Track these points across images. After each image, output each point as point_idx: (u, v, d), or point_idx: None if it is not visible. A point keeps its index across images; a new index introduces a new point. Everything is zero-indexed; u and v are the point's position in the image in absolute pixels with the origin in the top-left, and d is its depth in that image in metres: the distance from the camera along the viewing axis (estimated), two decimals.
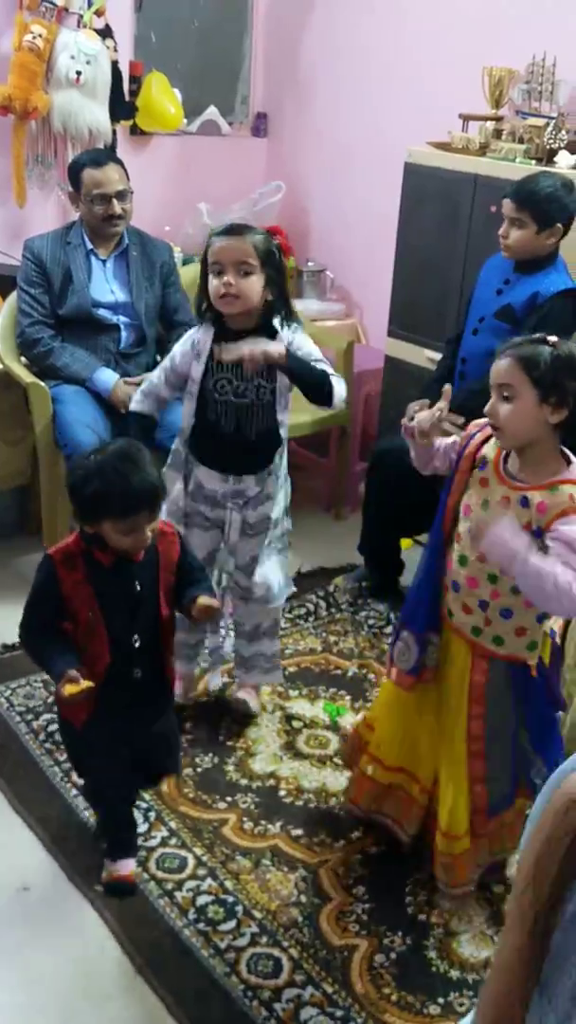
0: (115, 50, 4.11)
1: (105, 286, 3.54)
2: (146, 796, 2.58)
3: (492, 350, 3.11)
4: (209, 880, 2.38)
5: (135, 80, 4.30)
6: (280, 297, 2.57)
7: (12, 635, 3.13)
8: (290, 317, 2.62)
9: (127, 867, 2.35)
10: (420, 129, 3.84)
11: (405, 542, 3.76)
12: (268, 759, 2.80)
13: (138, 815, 2.50)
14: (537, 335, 2.07)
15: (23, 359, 3.57)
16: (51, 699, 2.95)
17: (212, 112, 4.65)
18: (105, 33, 4.06)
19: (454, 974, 2.20)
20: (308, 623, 3.46)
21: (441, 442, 2.26)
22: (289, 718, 2.97)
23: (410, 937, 2.28)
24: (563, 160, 3.36)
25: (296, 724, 2.94)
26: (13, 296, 3.59)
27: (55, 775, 2.66)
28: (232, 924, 2.28)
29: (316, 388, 2.60)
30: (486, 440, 2.17)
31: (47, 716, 2.87)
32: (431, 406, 2.23)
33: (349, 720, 2.96)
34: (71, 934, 2.24)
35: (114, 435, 3.36)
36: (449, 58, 3.99)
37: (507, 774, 2.29)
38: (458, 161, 3.58)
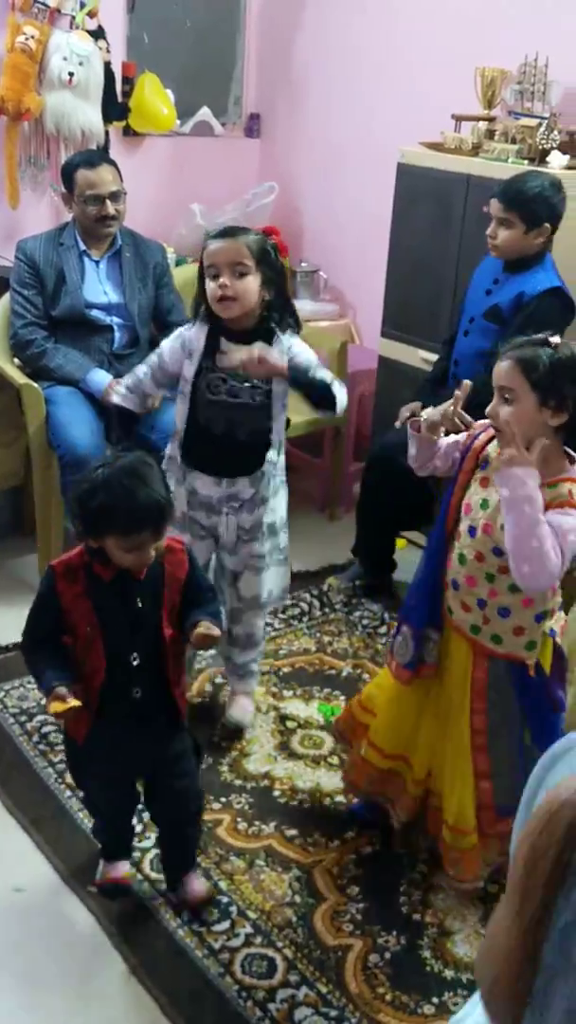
0: (108, 51, 4.11)
1: (98, 287, 3.53)
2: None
3: (483, 350, 3.14)
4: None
5: (128, 81, 4.29)
6: (279, 296, 2.56)
7: (5, 637, 3.15)
8: (291, 318, 2.60)
9: (121, 869, 2.35)
10: (413, 129, 3.85)
11: (400, 542, 3.76)
12: (262, 759, 2.80)
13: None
14: (539, 336, 2.08)
15: (16, 360, 3.56)
16: (44, 700, 2.94)
17: (205, 113, 4.65)
18: (98, 34, 4.06)
19: (448, 973, 2.20)
20: (302, 623, 3.46)
21: (443, 441, 2.27)
22: (283, 718, 2.97)
23: (404, 937, 2.28)
24: (555, 160, 3.36)
25: (290, 724, 2.94)
26: (6, 297, 3.58)
27: (49, 776, 2.66)
28: (226, 925, 2.28)
29: (319, 398, 2.59)
30: (490, 440, 2.19)
31: (41, 717, 2.87)
32: (424, 408, 2.24)
33: None
34: (65, 935, 2.24)
35: (107, 435, 3.37)
36: (441, 58, 4.00)
37: (514, 773, 2.28)
38: (451, 161, 3.58)
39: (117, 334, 3.55)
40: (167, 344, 2.65)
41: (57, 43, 3.93)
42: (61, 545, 3.54)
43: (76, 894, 2.34)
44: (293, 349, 2.59)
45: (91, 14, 4.03)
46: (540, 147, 3.41)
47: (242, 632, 2.84)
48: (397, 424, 3.25)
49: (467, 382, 2.22)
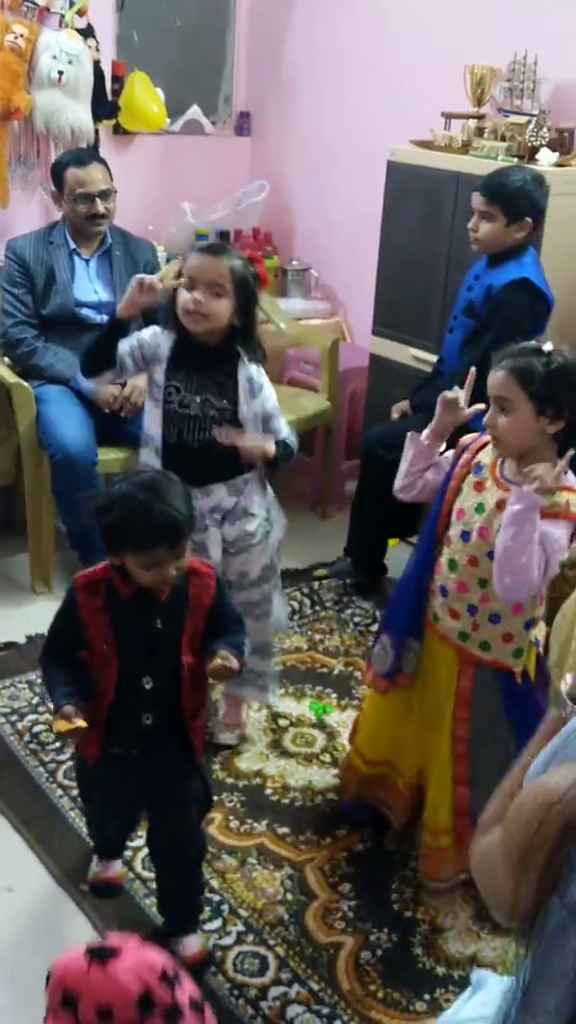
0: (97, 49, 4.10)
1: (88, 286, 3.53)
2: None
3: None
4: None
5: (117, 79, 4.28)
6: (246, 326, 2.54)
7: None
8: (255, 349, 2.58)
9: (114, 868, 2.35)
10: (402, 127, 3.84)
11: (391, 540, 3.76)
12: (254, 757, 2.79)
13: None
14: (531, 343, 2.09)
15: (6, 359, 3.56)
16: (35, 700, 2.95)
17: (195, 111, 4.64)
18: (87, 33, 4.05)
19: (440, 970, 2.20)
20: (293, 621, 3.45)
21: (429, 474, 2.28)
22: (275, 716, 2.96)
23: (396, 934, 2.28)
24: (544, 157, 3.37)
25: (282, 723, 2.94)
26: None
27: (40, 776, 2.66)
28: (218, 923, 2.28)
29: (278, 462, 2.59)
30: (483, 447, 2.19)
31: (31, 717, 2.87)
32: (415, 409, 2.25)
33: (335, 718, 2.96)
34: (57, 934, 2.24)
35: (97, 434, 3.37)
36: (431, 56, 3.99)
37: (496, 785, 2.28)
38: (440, 159, 3.58)
39: None
40: (147, 332, 2.60)
41: (46, 42, 3.92)
42: (52, 544, 3.54)
43: (68, 894, 2.33)
44: (265, 390, 2.58)
45: (80, 12, 4.02)
46: (529, 144, 3.41)
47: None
48: (394, 411, 3.30)
49: (473, 369, 2.24)
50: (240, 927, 2.27)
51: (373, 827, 2.54)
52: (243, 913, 2.31)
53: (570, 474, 2.11)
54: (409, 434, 2.30)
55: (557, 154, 3.39)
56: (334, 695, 3.08)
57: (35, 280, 3.47)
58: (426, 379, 3.48)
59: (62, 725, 1.89)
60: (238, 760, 2.78)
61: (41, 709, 2.89)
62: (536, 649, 2.26)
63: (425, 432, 2.27)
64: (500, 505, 2.09)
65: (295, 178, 4.76)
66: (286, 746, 2.85)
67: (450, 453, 2.28)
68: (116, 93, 4.29)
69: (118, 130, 4.38)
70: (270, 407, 2.60)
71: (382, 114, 4.23)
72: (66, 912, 2.29)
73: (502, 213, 3.03)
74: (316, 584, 3.66)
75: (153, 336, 2.59)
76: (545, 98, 3.56)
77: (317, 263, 4.71)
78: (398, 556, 3.69)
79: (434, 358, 3.53)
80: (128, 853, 2.41)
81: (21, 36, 3.85)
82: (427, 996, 2.14)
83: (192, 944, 2.17)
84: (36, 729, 2.82)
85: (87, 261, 3.54)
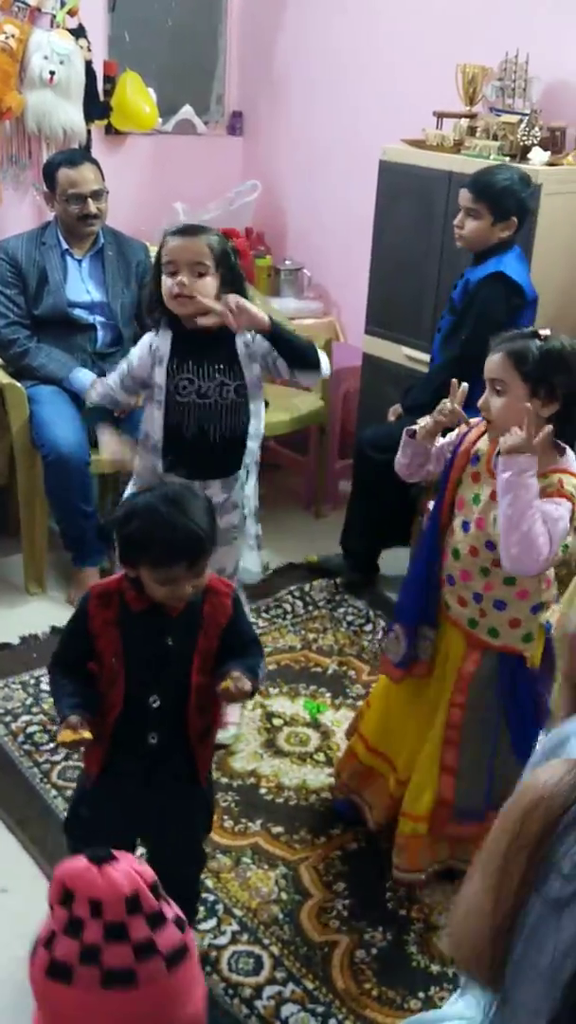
0: (88, 50, 4.10)
1: (81, 286, 3.53)
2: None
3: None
4: None
5: (109, 80, 4.28)
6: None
7: None
8: None
9: None
10: (395, 127, 3.85)
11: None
12: (248, 757, 2.79)
13: None
14: (528, 329, 2.11)
15: None
16: (29, 701, 2.94)
17: (187, 111, 4.64)
18: (78, 33, 4.05)
19: (435, 968, 2.20)
20: (286, 621, 3.46)
21: (438, 442, 2.29)
22: (269, 716, 2.96)
23: (390, 932, 2.29)
24: (536, 156, 3.37)
25: (276, 722, 2.94)
26: None
27: (34, 776, 2.65)
28: (213, 922, 2.28)
29: (301, 354, 2.54)
30: (481, 435, 2.20)
31: (25, 718, 2.86)
32: (407, 411, 2.25)
33: (329, 717, 2.97)
34: None
35: (89, 435, 3.36)
36: (423, 56, 4.00)
37: (480, 778, 2.29)
38: (433, 158, 3.58)
39: (100, 333, 3.54)
40: (136, 352, 2.61)
41: (38, 42, 3.91)
42: (46, 545, 3.54)
43: None
44: (256, 337, 2.55)
45: (71, 13, 4.02)
46: (521, 143, 3.42)
47: None
48: (390, 413, 3.30)
49: (464, 385, 2.23)
50: (235, 926, 2.27)
51: (367, 826, 2.55)
52: (238, 912, 2.31)
53: (569, 454, 2.12)
54: (406, 429, 2.30)
55: (549, 153, 3.40)
56: (328, 694, 3.08)
57: (27, 280, 3.47)
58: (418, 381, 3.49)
59: (67, 735, 1.84)
60: (232, 760, 2.78)
61: (35, 710, 2.89)
62: (547, 634, 2.26)
63: (420, 432, 2.27)
64: (494, 496, 2.09)
65: (287, 178, 4.76)
66: (280, 745, 2.85)
67: (452, 436, 2.28)
68: (108, 93, 4.28)
69: (110, 130, 4.38)
70: (267, 339, 2.54)
71: (374, 114, 4.23)
72: None
73: (488, 211, 3.04)
74: (308, 586, 3.65)
75: (145, 348, 2.58)
76: (537, 97, 3.57)
77: (310, 263, 4.71)
78: (390, 554, 3.70)
79: (427, 357, 3.54)
80: None
81: (12, 36, 3.85)
82: (421, 994, 2.14)
83: None
84: (30, 730, 2.82)
85: (79, 261, 3.54)
